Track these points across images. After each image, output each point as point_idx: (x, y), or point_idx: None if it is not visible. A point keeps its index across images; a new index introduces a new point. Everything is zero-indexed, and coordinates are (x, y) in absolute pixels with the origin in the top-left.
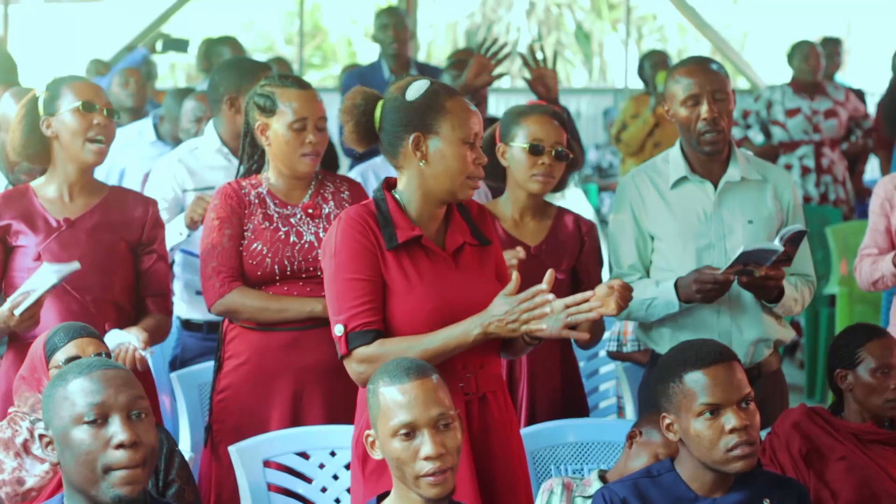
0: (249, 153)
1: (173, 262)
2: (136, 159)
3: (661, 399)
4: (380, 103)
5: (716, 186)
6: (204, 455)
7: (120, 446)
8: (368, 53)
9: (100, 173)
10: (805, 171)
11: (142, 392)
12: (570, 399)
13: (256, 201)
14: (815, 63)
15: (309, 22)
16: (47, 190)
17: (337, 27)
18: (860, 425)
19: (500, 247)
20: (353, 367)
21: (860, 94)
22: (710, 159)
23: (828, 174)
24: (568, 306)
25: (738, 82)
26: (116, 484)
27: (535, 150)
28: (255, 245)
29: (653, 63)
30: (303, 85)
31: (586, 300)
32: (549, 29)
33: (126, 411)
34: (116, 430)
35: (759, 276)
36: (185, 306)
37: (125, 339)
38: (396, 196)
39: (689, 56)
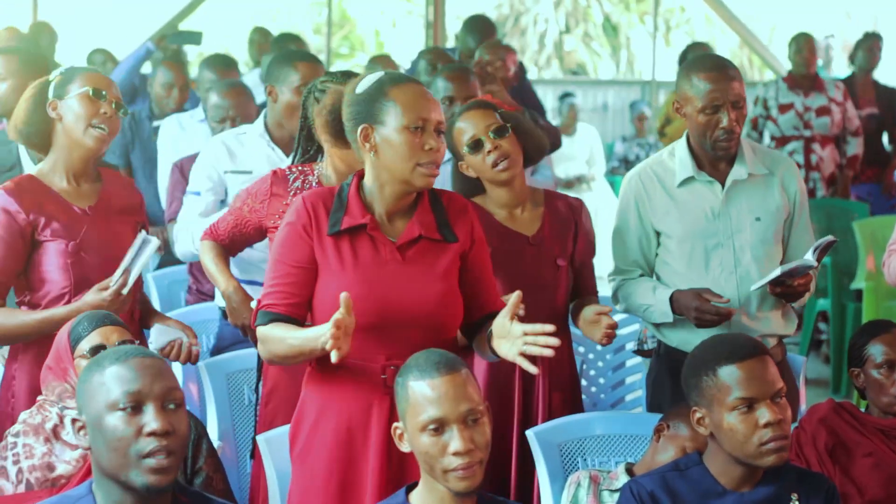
0: (304, 146)
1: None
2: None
3: (692, 392)
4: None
5: (723, 185)
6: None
7: (152, 434)
8: (396, 43)
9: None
10: None
11: (176, 383)
12: (574, 399)
13: (300, 191)
14: (809, 56)
15: (336, 11)
16: (55, 179)
17: (364, 17)
18: (887, 421)
19: (484, 246)
20: (257, 344)
21: (893, 92)
22: (717, 157)
23: (816, 171)
24: (526, 333)
25: (766, 75)
26: (147, 472)
27: (475, 146)
28: None
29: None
30: None
31: (546, 333)
32: (576, 21)
33: (161, 401)
34: (150, 418)
35: (793, 285)
36: None
37: (173, 336)
38: (362, 184)
39: (704, 55)
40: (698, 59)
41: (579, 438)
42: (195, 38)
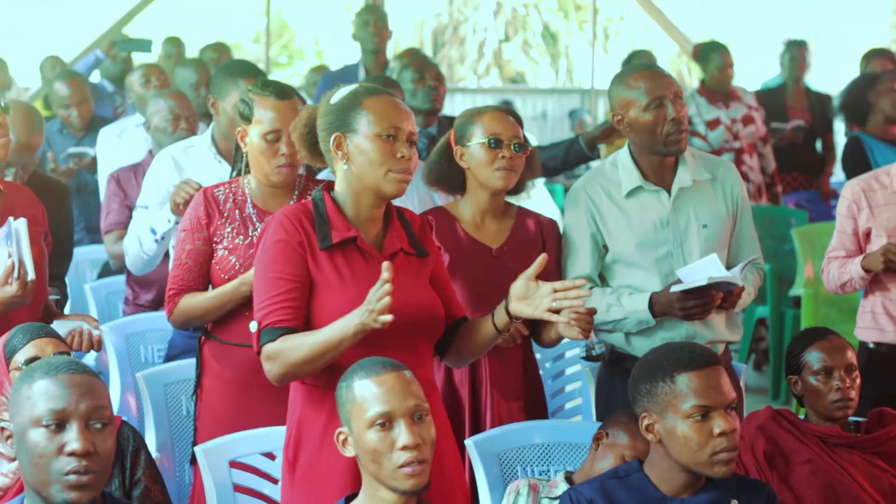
0: (239, 156)
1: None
2: None
3: (643, 399)
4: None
5: (669, 193)
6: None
7: (72, 454)
8: (335, 52)
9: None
10: None
11: (105, 401)
12: (533, 406)
13: (234, 210)
14: (729, 72)
15: (275, 21)
16: None
17: (304, 26)
18: (826, 428)
19: (439, 257)
20: (264, 365)
21: (827, 99)
22: (661, 165)
23: (747, 182)
24: (556, 290)
25: None
26: (66, 488)
27: (494, 143)
28: (229, 259)
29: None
30: (283, 94)
31: (576, 286)
32: (515, 29)
33: (85, 420)
34: (72, 437)
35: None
36: None
37: (73, 325)
38: (334, 197)
39: (635, 64)
40: (628, 67)
41: (518, 447)
42: (145, 45)
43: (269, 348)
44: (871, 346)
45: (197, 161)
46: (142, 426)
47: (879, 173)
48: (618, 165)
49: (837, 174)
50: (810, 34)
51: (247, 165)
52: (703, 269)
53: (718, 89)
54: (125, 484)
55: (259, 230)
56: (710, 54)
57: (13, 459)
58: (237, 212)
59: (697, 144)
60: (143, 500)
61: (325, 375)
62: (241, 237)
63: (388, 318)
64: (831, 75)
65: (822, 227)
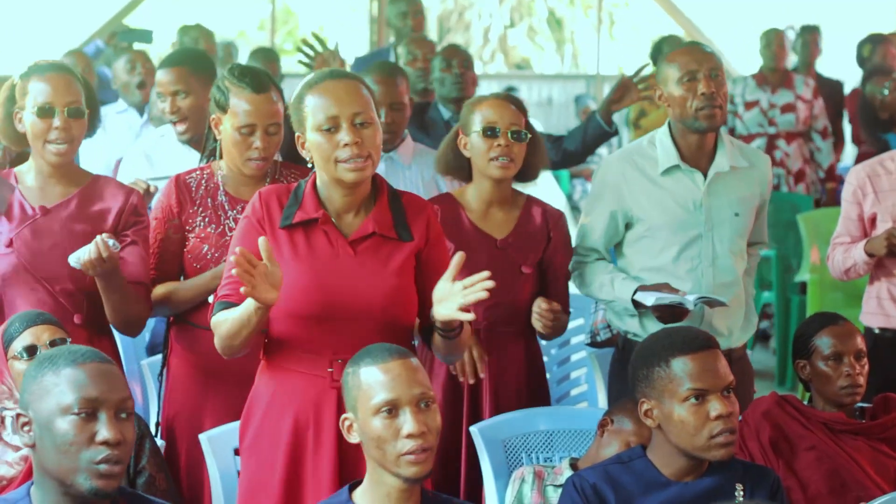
0: (210, 141)
1: None
2: None
3: (641, 384)
4: None
5: (705, 176)
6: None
7: (104, 443)
8: (340, 39)
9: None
10: None
11: (129, 392)
12: (535, 393)
13: (206, 198)
14: (779, 51)
15: (280, 8)
16: (28, 177)
17: (308, 13)
18: (831, 414)
19: (441, 244)
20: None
21: (838, 85)
22: (699, 148)
23: (780, 167)
24: (466, 287)
25: None
26: (95, 476)
27: (489, 132)
28: (201, 248)
29: (672, 48)
30: (259, 87)
31: (481, 279)
32: (521, 15)
33: (115, 409)
34: (103, 427)
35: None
36: None
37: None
38: (317, 181)
39: (684, 42)
40: (675, 45)
41: (523, 434)
42: (146, 36)
43: (212, 321)
44: (877, 331)
45: (167, 150)
46: (147, 414)
47: (884, 158)
48: (656, 143)
49: (845, 160)
50: (818, 21)
51: (219, 152)
52: (656, 290)
53: (770, 73)
54: (129, 472)
55: (231, 218)
56: (764, 38)
57: (18, 448)
58: (209, 199)
59: (736, 125)
60: (147, 488)
61: (274, 351)
62: (214, 226)
63: (270, 295)
64: (841, 63)
65: (827, 212)
